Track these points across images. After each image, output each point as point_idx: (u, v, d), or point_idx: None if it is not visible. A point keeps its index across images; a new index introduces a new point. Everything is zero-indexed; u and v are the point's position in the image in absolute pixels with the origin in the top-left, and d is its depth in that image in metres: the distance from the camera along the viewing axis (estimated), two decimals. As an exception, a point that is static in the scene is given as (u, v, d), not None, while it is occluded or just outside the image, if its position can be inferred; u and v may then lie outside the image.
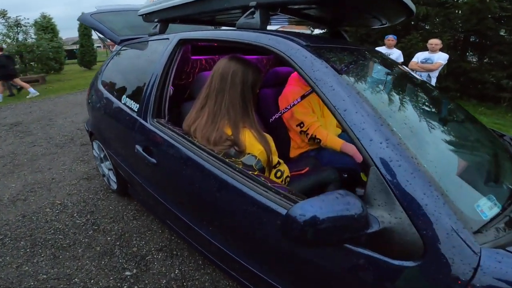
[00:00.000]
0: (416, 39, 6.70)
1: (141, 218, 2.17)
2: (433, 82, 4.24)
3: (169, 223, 1.50)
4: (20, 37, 11.30)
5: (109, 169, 2.31)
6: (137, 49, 1.91)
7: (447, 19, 6.76)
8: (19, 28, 11.23)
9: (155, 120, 1.38)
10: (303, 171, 1.47)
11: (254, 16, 1.12)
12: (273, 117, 1.84)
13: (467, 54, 7.32)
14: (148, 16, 2.11)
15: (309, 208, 0.64)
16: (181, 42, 1.48)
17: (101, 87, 2.10)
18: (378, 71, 1.32)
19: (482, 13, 6.06)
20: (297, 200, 0.83)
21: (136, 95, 1.59)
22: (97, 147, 2.43)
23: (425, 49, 4.48)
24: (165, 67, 1.42)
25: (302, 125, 1.76)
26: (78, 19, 2.64)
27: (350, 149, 1.59)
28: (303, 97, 1.65)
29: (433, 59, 4.12)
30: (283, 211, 0.84)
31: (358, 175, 1.63)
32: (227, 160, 1.03)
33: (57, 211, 2.28)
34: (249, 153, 1.06)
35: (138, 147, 1.43)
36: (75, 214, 2.22)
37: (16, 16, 11.33)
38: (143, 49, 1.84)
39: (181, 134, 1.21)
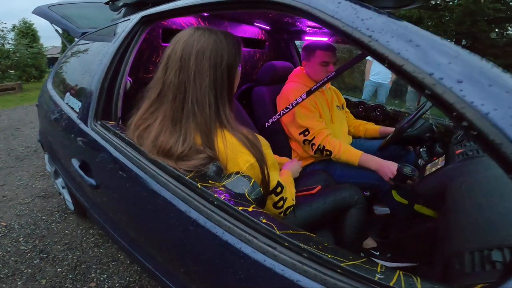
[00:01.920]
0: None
1: (105, 245, 1.80)
2: None
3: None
4: (-2, 43, 10.72)
5: (63, 187, 1.87)
6: (94, 39, 1.51)
7: (440, 22, 6.68)
8: (-4, 33, 10.65)
9: (98, 123, 0.95)
10: (314, 191, 1.08)
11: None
12: (269, 121, 1.44)
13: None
14: (115, 3, 1.76)
15: None
16: (144, 21, 1.08)
17: (49, 87, 1.67)
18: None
19: (476, 15, 5.96)
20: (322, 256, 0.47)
21: (81, 92, 1.16)
22: (48, 160, 2.00)
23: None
24: (117, 53, 1.01)
25: (306, 132, 1.37)
26: (33, 12, 2.32)
27: (373, 162, 1.20)
28: (309, 92, 1.25)
29: None
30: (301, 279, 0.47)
31: (382, 192, 1.27)
32: (198, 185, 0.63)
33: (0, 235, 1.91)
34: (237, 173, 0.65)
35: (74, 162, 1.01)
36: (20, 239, 1.87)
37: (-6, 21, 10.77)
38: (99, 37, 1.43)
39: (133, 144, 0.79)
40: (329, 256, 0.46)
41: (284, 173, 1.02)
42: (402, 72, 0.39)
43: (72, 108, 1.17)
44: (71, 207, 1.99)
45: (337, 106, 1.59)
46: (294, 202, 0.87)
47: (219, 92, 0.70)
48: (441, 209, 0.80)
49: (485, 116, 0.32)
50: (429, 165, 1.02)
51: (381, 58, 0.42)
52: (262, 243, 0.53)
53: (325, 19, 0.51)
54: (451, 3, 6.79)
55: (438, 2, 6.72)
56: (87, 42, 1.60)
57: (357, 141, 1.64)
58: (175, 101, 0.69)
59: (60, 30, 2.25)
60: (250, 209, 0.58)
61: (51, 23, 2.17)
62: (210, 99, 0.68)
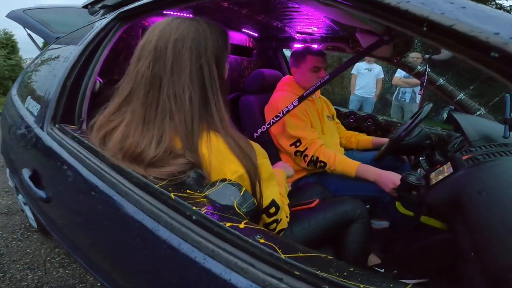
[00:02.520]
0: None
1: (72, 265, 1.63)
2: (418, 98, 4.03)
3: None
4: (-27, 53, 10.24)
5: (24, 203, 1.69)
6: (65, 43, 1.38)
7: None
8: (-28, 43, 10.22)
9: (56, 127, 0.82)
10: (312, 204, 0.97)
11: None
12: (258, 131, 1.34)
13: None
14: (94, 6, 1.67)
15: None
16: (122, 17, 0.98)
17: (13, 93, 1.52)
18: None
19: None
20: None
21: (41, 94, 1.02)
22: (9, 175, 1.82)
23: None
24: (86, 50, 0.89)
25: (298, 143, 1.28)
26: (7, 16, 2.20)
27: (371, 173, 1.11)
28: (301, 98, 1.17)
29: None
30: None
31: (382, 205, 1.19)
32: (172, 195, 0.49)
33: (-47, 253, 1.69)
34: (224, 180, 0.53)
35: (24, 172, 0.86)
36: None
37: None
38: (71, 40, 1.31)
39: (93, 148, 0.66)
40: (362, 286, 0.34)
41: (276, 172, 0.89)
42: (452, 35, 0.30)
43: (31, 112, 1.02)
44: (34, 224, 1.80)
45: (328, 117, 1.52)
46: (287, 222, 0.74)
47: (203, 86, 0.59)
48: (456, 219, 0.71)
49: None
50: (433, 173, 0.94)
51: (419, 21, 0.33)
52: (261, 272, 0.40)
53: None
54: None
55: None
56: (58, 46, 1.48)
57: (350, 153, 1.56)
58: (148, 96, 0.57)
59: (33, 35, 2.14)
60: (241, 226, 0.45)
61: (24, 27, 2.04)
62: (191, 94, 0.57)
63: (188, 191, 0.51)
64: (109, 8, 1.50)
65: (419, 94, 4.13)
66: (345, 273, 0.36)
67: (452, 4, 0.32)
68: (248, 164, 0.56)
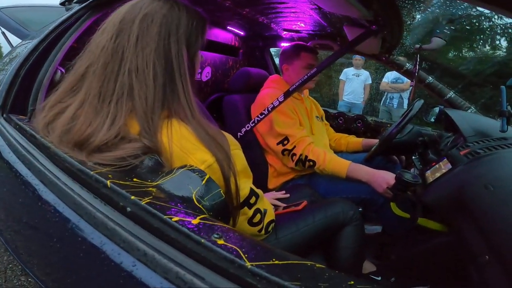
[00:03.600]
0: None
1: None
2: (406, 104, 4.07)
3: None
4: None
5: None
6: (34, 37, 1.29)
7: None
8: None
9: (4, 116, 0.71)
10: (299, 206, 0.89)
11: None
12: (242, 130, 1.25)
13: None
14: (70, 2, 1.59)
15: None
16: (93, 5, 0.90)
17: None
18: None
19: None
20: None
21: None
22: None
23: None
24: (47, 37, 0.81)
25: (286, 141, 1.20)
26: None
27: (363, 173, 1.04)
28: (287, 94, 1.10)
29: (403, 78, 3.95)
30: None
31: (375, 207, 1.12)
32: (108, 183, 0.38)
33: None
34: (184, 166, 0.44)
35: None
36: None
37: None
38: (40, 32, 1.22)
39: (33, 134, 0.55)
40: None
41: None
42: None
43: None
44: None
45: (317, 117, 1.46)
46: (274, 216, 0.67)
47: (169, 66, 0.51)
48: (458, 220, 0.64)
49: None
50: (429, 171, 0.87)
51: None
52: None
53: None
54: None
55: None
56: (27, 42, 1.38)
57: (339, 155, 1.50)
58: (106, 70, 0.48)
59: (8, 34, 2.05)
60: (195, 221, 0.33)
61: None
62: (156, 70, 0.49)
63: (135, 179, 0.40)
64: (82, 2, 1.43)
65: (408, 91, 4.17)
66: (344, 286, 0.26)
67: None
68: (219, 153, 0.47)
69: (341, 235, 0.83)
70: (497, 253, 0.41)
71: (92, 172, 0.40)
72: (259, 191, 0.60)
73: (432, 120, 1.29)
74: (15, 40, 2.18)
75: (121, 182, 0.38)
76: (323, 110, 1.67)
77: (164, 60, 0.50)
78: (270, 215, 0.63)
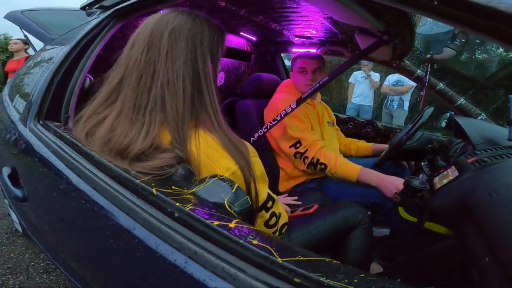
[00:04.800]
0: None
1: (56, 271, 1.58)
2: (406, 106, 4.05)
3: None
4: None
5: (10, 207, 1.64)
6: (59, 43, 1.36)
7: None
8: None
9: (40, 123, 0.78)
10: (311, 210, 0.93)
11: None
12: (255, 135, 1.30)
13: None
14: (92, 7, 1.66)
15: None
16: (118, 14, 0.96)
17: (5, 92, 1.49)
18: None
19: None
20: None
21: (29, 91, 0.99)
22: None
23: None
24: (77, 46, 0.87)
25: (298, 144, 1.25)
26: (5, 17, 2.20)
27: (374, 177, 1.08)
28: (300, 100, 1.14)
29: (404, 81, 3.95)
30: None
31: (383, 211, 1.15)
32: (153, 190, 0.44)
33: None
34: (214, 176, 0.49)
35: (5, 170, 0.82)
36: None
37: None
38: (64, 41, 1.29)
39: (75, 143, 0.61)
40: None
41: None
42: (468, 7, 0.27)
43: (17, 110, 0.98)
44: (20, 228, 1.73)
45: (328, 122, 1.49)
46: (287, 219, 0.71)
47: (197, 77, 0.56)
48: (463, 225, 0.67)
49: None
50: (437, 178, 0.90)
51: None
52: (253, 279, 0.35)
53: None
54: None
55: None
56: (51, 47, 1.46)
57: (349, 159, 1.53)
58: (140, 82, 0.54)
59: (30, 37, 2.13)
60: (231, 225, 0.39)
61: (21, 28, 2.01)
62: (185, 83, 0.54)
63: (173, 187, 0.46)
64: (106, 9, 1.50)
65: (409, 94, 4.13)
66: (355, 280, 0.31)
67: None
68: (241, 161, 0.52)
69: (350, 238, 0.87)
70: (496, 255, 0.45)
71: (137, 181, 0.46)
72: (274, 196, 0.65)
73: (443, 125, 1.32)
74: (36, 43, 2.27)
75: (163, 189, 0.44)
76: (334, 115, 1.70)
77: (192, 72, 0.55)
78: (284, 218, 0.67)
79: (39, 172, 0.69)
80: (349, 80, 4.37)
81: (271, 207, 0.62)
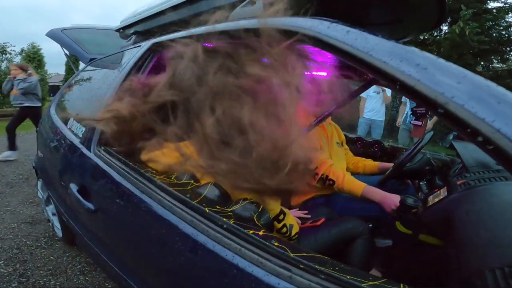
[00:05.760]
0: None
1: (92, 273, 1.71)
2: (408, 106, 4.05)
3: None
4: (4, 65, 10.64)
5: (53, 214, 1.82)
6: (100, 66, 1.55)
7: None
8: (3, 55, 10.68)
9: (102, 148, 0.96)
10: (318, 223, 1.07)
11: (255, 1, 0.81)
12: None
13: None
14: (125, 30, 1.81)
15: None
16: (155, 47, 1.14)
17: (52, 112, 1.69)
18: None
19: (462, 48, 6.14)
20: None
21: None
22: (40, 187, 1.96)
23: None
24: (130, 72, 1.05)
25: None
26: (47, 34, 2.33)
27: (376, 194, 1.21)
28: (310, 127, 1.30)
29: None
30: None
31: (384, 224, 1.28)
32: (206, 209, 0.65)
33: (-21, 257, 1.81)
34: (245, 199, 0.69)
35: (72, 186, 0.99)
36: (0, 262, 1.80)
37: (3, 43, 10.84)
38: (105, 63, 1.48)
39: (137, 168, 0.80)
40: (349, 277, 0.45)
41: None
42: (414, 92, 0.42)
43: (75, 134, 1.18)
44: (59, 233, 1.91)
45: (337, 143, 1.60)
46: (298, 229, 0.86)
47: None
48: (448, 236, 0.80)
49: (498, 131, 0.34)
50: (431, 196, 1.03)
51: (393, 81, 0.45)
52: (275, 266, 0.53)
53: (336, 45, 0.54)
54: (438, 37, 6.96)
55: (426, 37, 6.93)
56: (94, 68, 1.64)
57: (356, 177, 1.64)
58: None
59: (68, 54, 2.21)
60: (261, 233, 0.59)
61: (61, 46, 2.17)
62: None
63: (217, 206, 0.66)
64: (139, 34, 1.66)
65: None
66: (337, 268, 0.49)
67: (418, 66, 0.43)
68: None
69: (352, 246, 1.01)
70: (459, 262, 0.57)
71: (193, 202, 0.66)
72: (286, 210, 0.81)
73: (448, 145, 1.43)
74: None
75: (212, 208, 0.65)
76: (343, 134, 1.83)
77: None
78: (296, 229, 0.82)
79: (109, 191, 0.89)
80: (361, 95, 4.41)
81: (283, 219, 0.77)
